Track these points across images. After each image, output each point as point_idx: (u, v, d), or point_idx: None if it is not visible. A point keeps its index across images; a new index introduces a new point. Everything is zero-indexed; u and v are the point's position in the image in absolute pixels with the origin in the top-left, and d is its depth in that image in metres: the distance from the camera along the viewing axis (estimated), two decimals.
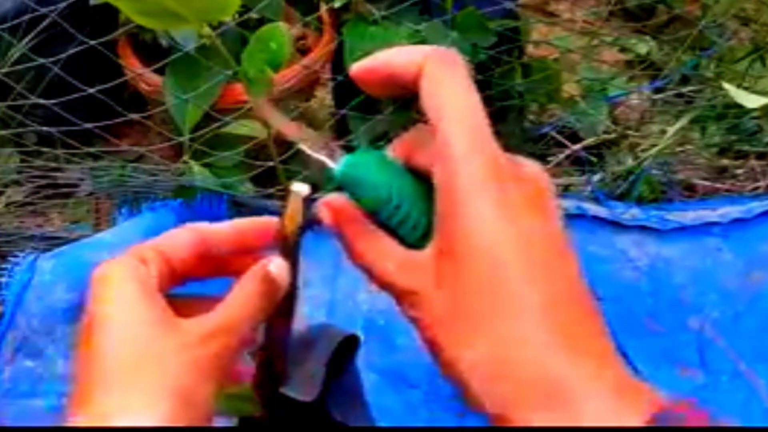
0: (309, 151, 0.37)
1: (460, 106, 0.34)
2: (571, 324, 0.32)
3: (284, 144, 1.13)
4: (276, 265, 0.40)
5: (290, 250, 0.40)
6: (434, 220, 0.34)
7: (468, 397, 0.33)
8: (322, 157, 0.37)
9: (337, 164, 0.37)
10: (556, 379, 0.31)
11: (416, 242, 0.36)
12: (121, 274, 0.38)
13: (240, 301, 0.39)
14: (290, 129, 0.39)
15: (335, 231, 0.38)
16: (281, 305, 0.42)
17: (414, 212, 0.36)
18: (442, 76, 0.34)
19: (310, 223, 0.40)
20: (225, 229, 0.42)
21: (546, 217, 0.34)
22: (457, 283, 0.33)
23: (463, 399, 0.34)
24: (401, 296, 0.35)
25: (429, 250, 0.34)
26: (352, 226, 0.37)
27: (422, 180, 0.37)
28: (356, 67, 0.37)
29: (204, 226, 0.42)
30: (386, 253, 0.36)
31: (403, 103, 1.11)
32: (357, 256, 0.37)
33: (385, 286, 0.36)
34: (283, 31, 0.75)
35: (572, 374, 0.31)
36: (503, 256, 0.32)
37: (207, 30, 0.58)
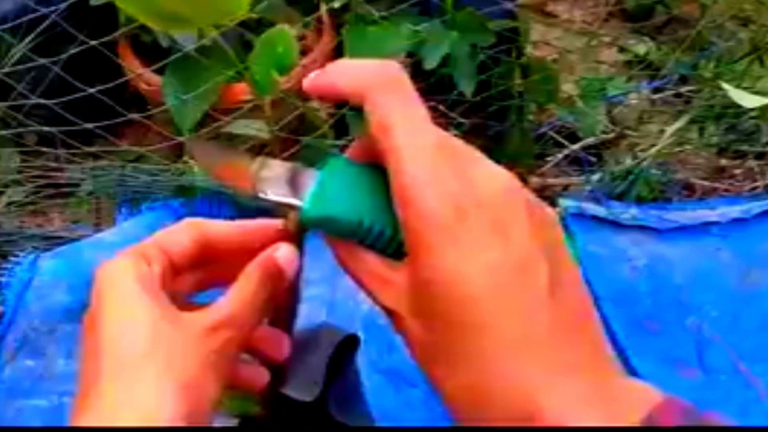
0: (272, 198, 0.37)
1: (408, 139, 0.33)
2: (548, 344, 0.32)
3: (286, 142, 1.14)
4: (283, 254, 0.40)
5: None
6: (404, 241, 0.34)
7: (455, 416, 0.34)
8: (285, 200, 0.37)
9: (302, 197, 0.36)
10: (537, 409, 0.32)
11: (394, 254, 0.36)
12: (124, 272, 0.38)
13: (245, 291, 0.39)
14: (239, 174, 0.38)
15: (325, 242, 0.38)
16: (284, 301, 0.42)
17: (387, 230, 0.36)
18: (388, 106, 0.34)
19: None
20: (228, 228, 0.42)
21: (509, 239, 0.33)
22: (429, 316, 0.33)
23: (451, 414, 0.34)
24: (387, 314, 0.36)
25: (404, 275, 0.34)
26: (338, 242, 0.37)
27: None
28: (307, 84, 0.37)
29: (206, 223, 0.42)
30: (371, 272, 0.36)
31: None
32: (349, 272, 0.37)
33: (374, 302, 0.37)
34: (290, 35, 0.75)
35: (552, 403, 0.31)
36: (469, 293, 0.32)
37: (213, 32, 0.58)
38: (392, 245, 0.36)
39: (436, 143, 0.33)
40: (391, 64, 0.35)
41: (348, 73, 0.35)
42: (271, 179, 0.37)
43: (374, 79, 0.35)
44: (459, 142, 0.35)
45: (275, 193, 0.37)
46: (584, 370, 0.32)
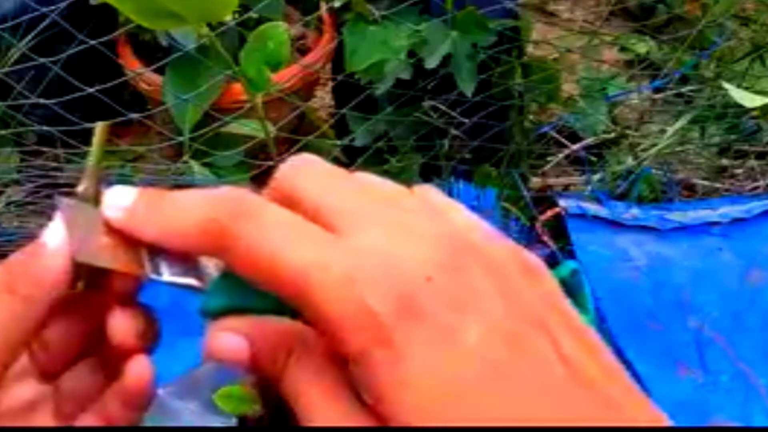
0: (174, 279, 0.29)
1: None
2: None
3: (286, 143, 1.13)
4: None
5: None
6: None
7: None
8: (190, 281, 0.29)
9: (205, 284, 0.29)
10: None
11: None
12: None
13: None
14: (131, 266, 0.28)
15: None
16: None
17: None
18: None
19: None
20: None
21: None
22: None
23: None
24: None
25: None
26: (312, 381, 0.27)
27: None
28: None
29: None
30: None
31: (402, 103, 1.11)
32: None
33: None
34: (281, 30, 0.74)
35: None
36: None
37: (205, 30, 0.58)
38: None
39: None
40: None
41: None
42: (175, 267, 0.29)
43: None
44: None
45: (173, 273, 0.29)
46: None
